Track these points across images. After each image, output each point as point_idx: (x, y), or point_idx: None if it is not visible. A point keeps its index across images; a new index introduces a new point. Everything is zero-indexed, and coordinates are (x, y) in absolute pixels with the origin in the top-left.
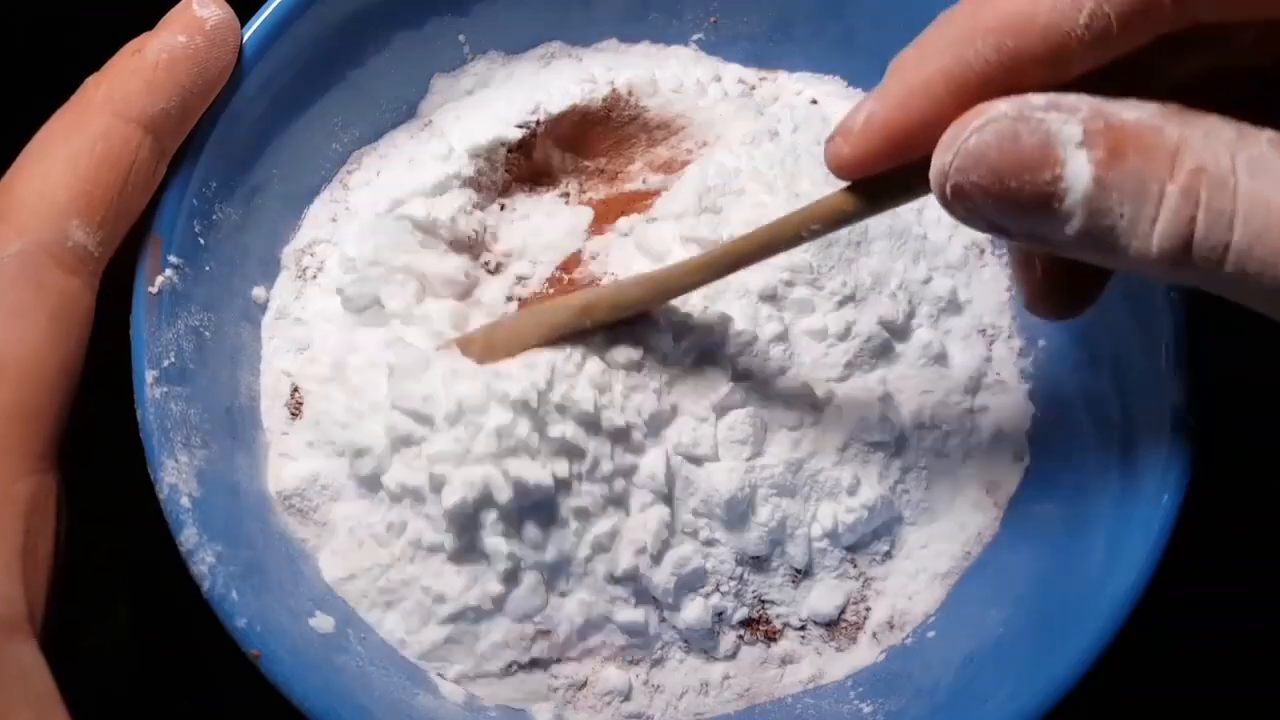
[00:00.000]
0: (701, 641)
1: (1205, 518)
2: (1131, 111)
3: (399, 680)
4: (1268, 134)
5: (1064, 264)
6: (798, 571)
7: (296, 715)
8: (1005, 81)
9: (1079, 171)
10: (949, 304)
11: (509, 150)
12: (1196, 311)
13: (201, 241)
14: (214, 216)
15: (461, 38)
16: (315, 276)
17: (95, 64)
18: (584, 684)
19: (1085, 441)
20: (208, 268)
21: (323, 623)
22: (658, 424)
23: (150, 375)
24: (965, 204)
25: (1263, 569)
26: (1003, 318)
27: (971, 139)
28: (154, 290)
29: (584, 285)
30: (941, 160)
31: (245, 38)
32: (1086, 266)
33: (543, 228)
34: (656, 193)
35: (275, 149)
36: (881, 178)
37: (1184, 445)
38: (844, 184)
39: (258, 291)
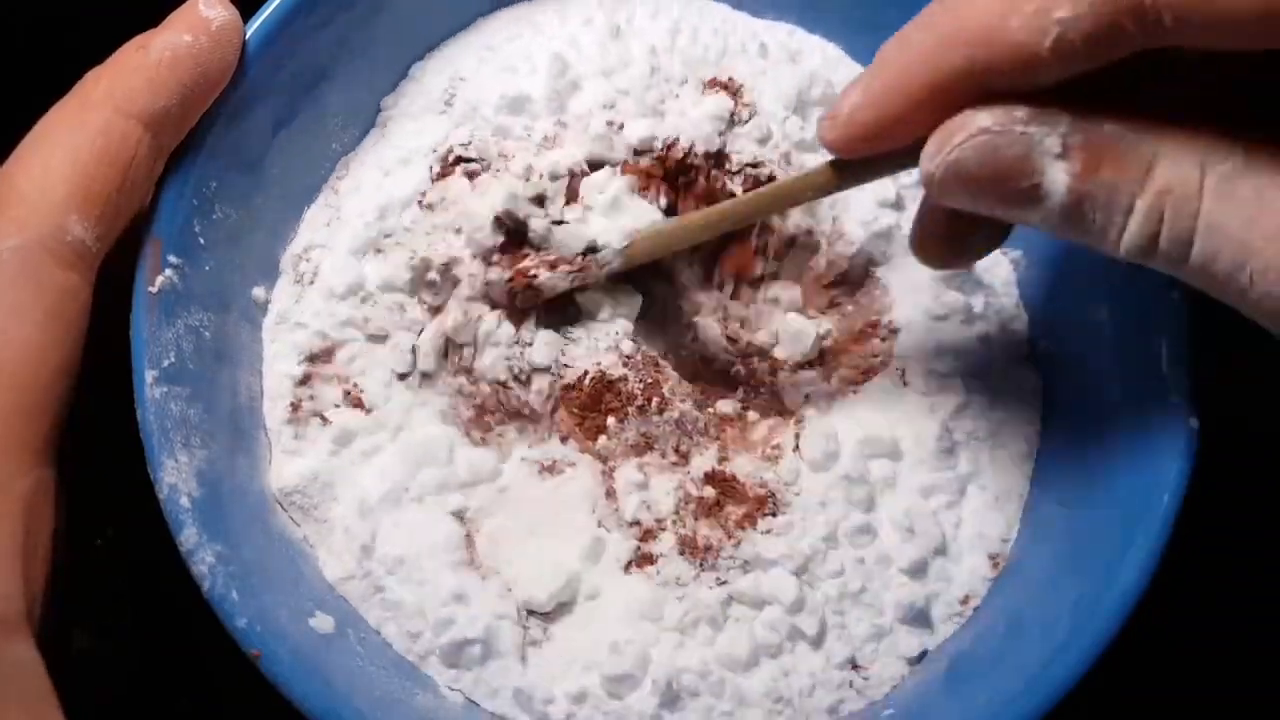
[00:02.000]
0: None
1: (1205, 518)
2: (1110, 124)
3: (399, 680)
4: (1244, 145)
5: (961, 227)
6: None
7: (296, 715)
8: (980, 88)
9: (1056, 180)
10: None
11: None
12: (1196, 311)
13: (201, 241)
14: (214, 216)
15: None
16: (312, 281)
17: (95, 64)
18: None
19: (1084, 442)
20: (208, 268)
21: (323, 623)
22: None
23: (150, 375)
24: (951, 201)
25: (1263, 569)
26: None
27: (953, 154)
28: (154, 290)
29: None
30: (927, 167)
31: (246, 36)
32: (981, 232)
33: None
34: None
35: (275, 149)
36: (867, 159)
37: (1184, 445)
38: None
39: (258, 292)
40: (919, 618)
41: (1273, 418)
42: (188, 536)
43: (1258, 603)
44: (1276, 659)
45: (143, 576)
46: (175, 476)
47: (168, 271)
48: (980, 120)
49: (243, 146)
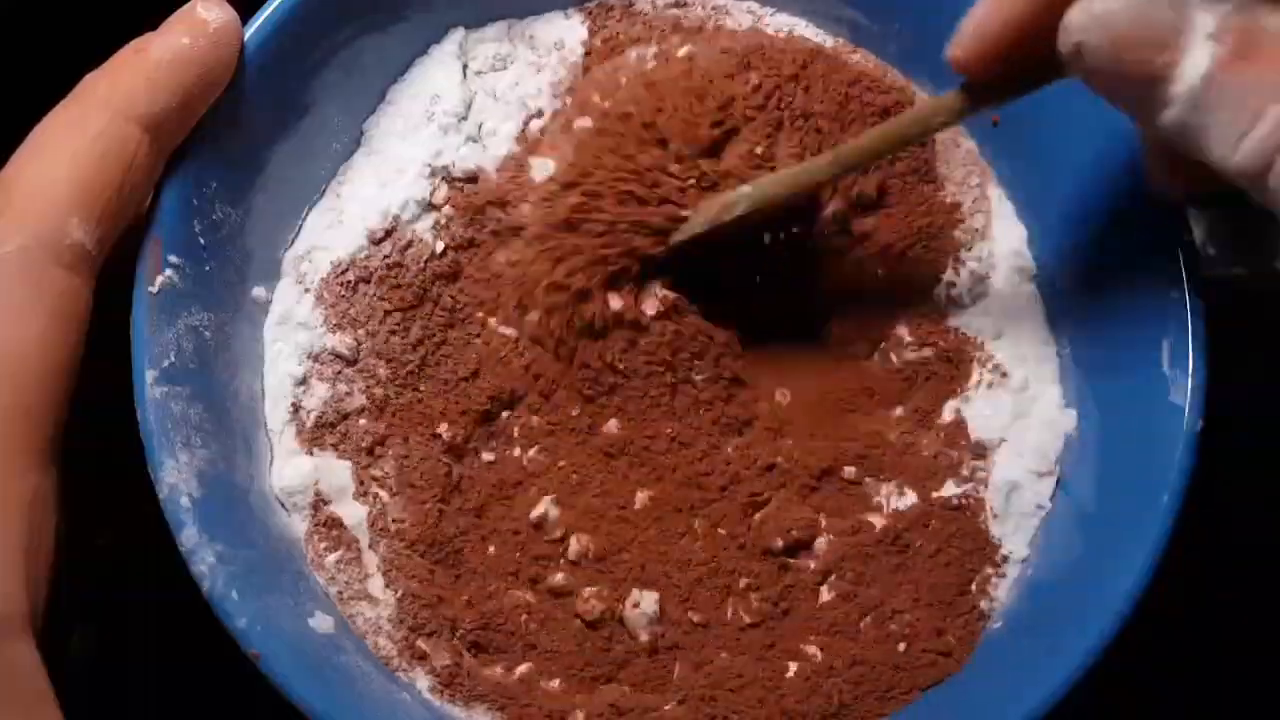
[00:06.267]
0: None
1: (1205, 518)
2: (1276, 19)
3: (395, 681)
4: None
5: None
6: None
7: (296, 715)
8: None
9: (1197, 63)
10: None
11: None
12: (1197, 311)
13: (201, 241)
14: (214, 216)
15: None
16: (315, 282)
17: (95, 66)
18: None
19: (1086, 440)
20: (208, 268)
21: (323, 623)
22: None
23: (150, 375)
24: (1080, 64)
25: (1263, 569)
26: None
27: (1100, 6)
28: (154, 290)
29: None
30: (1070, 17)
31: (245, 37)
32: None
33: None
34: None
35: (275, 149)
36: (996, 77)
37: (1184, 445)
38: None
39: (258, 292)
40: None
41: (1273, 418)
42: (188, 536)
43: (1258, 603)
44: (1277, 659)
45: (143, 576)
46: (175, 476)
47: (168, 271)
48: None
49: (243, 147)
